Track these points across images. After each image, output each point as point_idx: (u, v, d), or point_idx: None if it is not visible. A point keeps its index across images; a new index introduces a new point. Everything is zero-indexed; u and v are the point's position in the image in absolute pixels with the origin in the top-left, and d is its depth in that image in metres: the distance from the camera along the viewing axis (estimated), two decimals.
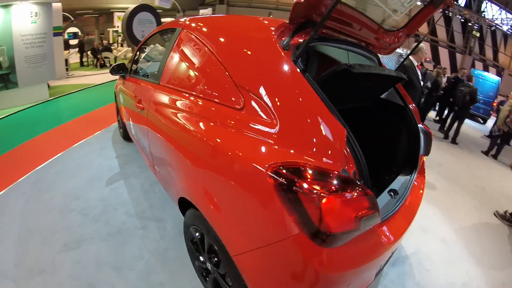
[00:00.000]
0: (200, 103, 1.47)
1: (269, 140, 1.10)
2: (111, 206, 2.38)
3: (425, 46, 3.40)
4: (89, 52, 11.46)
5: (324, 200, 0.91)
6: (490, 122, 9.80)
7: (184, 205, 1.63)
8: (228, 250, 1.23)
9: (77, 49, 11.17)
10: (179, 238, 2.07)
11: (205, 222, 1.36)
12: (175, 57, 1.81)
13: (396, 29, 1.81)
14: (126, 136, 3.38)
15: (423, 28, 16.16)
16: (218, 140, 1.24)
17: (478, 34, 20.59)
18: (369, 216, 0.96)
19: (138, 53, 2.84)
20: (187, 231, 1.67)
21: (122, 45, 14.61)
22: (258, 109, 1.17)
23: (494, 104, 10.20)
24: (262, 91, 1.18)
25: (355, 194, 0.96)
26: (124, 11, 8.76)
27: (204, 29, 1.64)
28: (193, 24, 1.75)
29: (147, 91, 2.08)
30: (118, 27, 15.93)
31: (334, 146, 1.04)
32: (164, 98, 1.79)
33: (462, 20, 21.00)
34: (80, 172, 2.86)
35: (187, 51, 1.69)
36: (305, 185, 0.94)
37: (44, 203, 2.36)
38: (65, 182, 2.68)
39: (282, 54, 1.22)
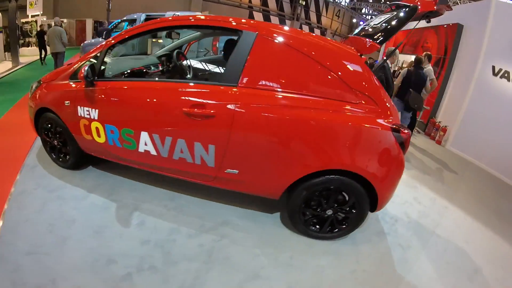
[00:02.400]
0: (311, 99, 1.91)
1: (379, 118, 1.94)
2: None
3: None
4: None
5: (406, 136, 1.94)
6: None
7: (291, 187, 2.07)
8: (376, 189, 1.97)
9: None
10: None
11: (356, 185, 1.99)
12: (260, 60, 1.93)
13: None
14: (78, 162, 2.64)
15: None
16: (350, 124, 1.89)
17: (303, 2, 25.26)
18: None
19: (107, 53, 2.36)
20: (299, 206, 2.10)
21: None
22: (367, 101, 1.92)
23: None
24: (367, 91, 1.92)
25: (406, 130, 1.96)
26: None
27: (302, 40, 1.98)
28: (275, 32, 1.97)
29: (219, 94, 1.92)
30: None
31: (396, 115, 2.02)
32: (265, 102, 1.89)
33: None
34: (62, 231, 1.92)
35: (282, 55, 1.95)
36: (403, 132, 1.94)
37: None
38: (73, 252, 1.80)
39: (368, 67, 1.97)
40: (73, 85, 2.34)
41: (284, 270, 1.88)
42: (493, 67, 5.13)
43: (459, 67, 6.20)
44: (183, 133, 1.97)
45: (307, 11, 26.61)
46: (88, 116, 2.25)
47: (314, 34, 2.20)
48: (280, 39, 1.94)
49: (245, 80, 1.90)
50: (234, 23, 2.02)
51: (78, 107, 2.28)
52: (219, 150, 1.95)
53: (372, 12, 29.57)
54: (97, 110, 2.20)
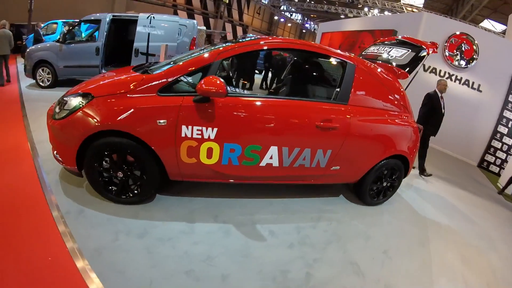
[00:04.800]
0: (381, 111, 2.70)
1: (409, 120, 2.87)
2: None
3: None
4: None
5: (420, 128, 3.01)
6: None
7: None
8: (409, 161, 2.97)
9: None
10: None
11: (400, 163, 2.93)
12: (359, 85, 2.53)
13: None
14: (152, 193, 2.35)
15: None
16: (401, 126, 2.81)
17: (227, 1, 25.66)
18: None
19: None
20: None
21: None
22: (403, 110, 2.81)
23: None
24: (404, 103, 2.84)
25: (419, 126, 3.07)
26: None
27: (375, 69, 2.75)
28: (365, 64, 2.67)
29: (337, 111, 2.44)
30: None
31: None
32: (364, 115, 2.55)
33: None
34: (210, 271, 1.75)
35: (370, 81, 2.64)
36: (419, 126, 3.03)
37: None
38: None
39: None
40: (172, 100, 1.99)
41: (378, 228, 2.70)
42: (424, 65, 6.69)
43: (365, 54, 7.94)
44: (311, 143, 2.35)
45: (229, 9, 27.16)
46: (199, 137, 2.05)
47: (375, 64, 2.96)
48: (367, 70, 2.64)
49: (352, 99, 2.50)
50: (342, 55, 2.56)
51: (183, 126, 2.01)
52: (333, 153, 2.44)
53: (291, 8, 31.96)
54: (215, 129, 2.06)
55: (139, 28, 5.79)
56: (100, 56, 5.84)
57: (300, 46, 2.55)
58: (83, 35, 6.86)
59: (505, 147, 6.31)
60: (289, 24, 36.15)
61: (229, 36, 22.43)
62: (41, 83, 5.72)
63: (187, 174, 2.26)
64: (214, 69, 2.10)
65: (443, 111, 4.48)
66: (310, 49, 2.57)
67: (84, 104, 2.03)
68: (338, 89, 2.47)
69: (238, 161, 2.23)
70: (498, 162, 6.35)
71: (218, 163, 2.20)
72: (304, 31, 39.09)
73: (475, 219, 3.66)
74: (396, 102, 2.78)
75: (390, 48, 3.47)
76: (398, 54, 3.26)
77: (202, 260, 1.83)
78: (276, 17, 33.08)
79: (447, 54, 6.96)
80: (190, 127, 2.02)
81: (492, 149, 6.50)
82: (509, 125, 6.33)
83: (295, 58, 3.13)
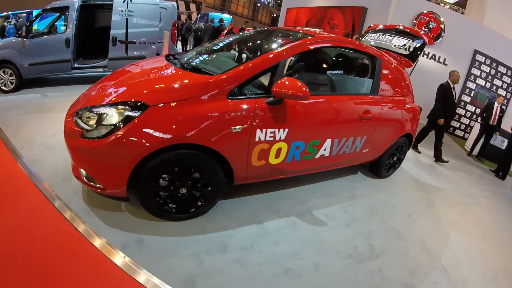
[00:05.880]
0: (399, 98, 3.16)
1: (413, 103, 3.41)
2: None
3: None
4: None
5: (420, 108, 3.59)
6: None
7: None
8: (413, 137, 3.60)
9: None
10: None
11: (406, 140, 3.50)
12: (385, 76, 2.94)
13: None
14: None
15: None
16: (410, 109, 3.30)
17: None
18: None
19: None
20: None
21: None
22: (409, 95, 3.29)
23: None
24: (410, 89, 3.33)
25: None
26: None
27: (393, 63, 3.12)
28: (386, 58, 3.04)
29: (373, 103, 2.81)
30: None
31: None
32: (388, 103, 2.99)
33: None
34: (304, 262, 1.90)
35: (390, 72, 3.03)
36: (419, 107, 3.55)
37: None
38: None
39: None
40: (247, 104, 1.91)
41: (397, 197, 3.23)
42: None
43: (365, 41, 8.41)
44: (354, 132, 2.71)
45: None
46: (271, 139, 2.06)
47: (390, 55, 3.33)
48: (388, 63, 3.02)
49: (380, 91, 2.86)
50: (373, 52, 2.90)
51: (258, 130, 1.97)
52: (367, 139, 2.84)
53: None
54: (286, 130, 2.09)
55: (115, 14, 5.16)
56: (71, 48, 5.14)
57: (348, 44, 2.83)
58: (49, 26, 5.58)
59: (468, 114, 7.32)
60: None
61: (194, 16, 21.11)
62: (3, 87, 4.64)
63: (252, 176, 2.25)
64: (282, 68, 2.05)
65: (455, 101, 4.81)
66: (355, 47, 2.80)
67: (137, 116, 1.70)
68: (371, 83, 2.83)
69: (300, 157, 2.37)
70: (463, 127, 7.39)
71: (283, 161, 2.27)
72: (258, 4, 37.91)
73: (456, 179, 4.44)
74: (405, 89, 3.24)
75: (392, 37, 3.86)
76: (400, 43, 3.67)
77: (291, 256, 1.95)
78: None
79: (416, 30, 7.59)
80: (264, 130, 2.01)
81: (457, 116, 7.50)
82: (472, 94, 7.31)
83: (338, 57, 3.14)
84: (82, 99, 2.15)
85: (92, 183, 1.87)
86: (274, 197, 2.64)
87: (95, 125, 1.74)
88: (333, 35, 2.99)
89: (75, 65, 5.32)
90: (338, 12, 9.64)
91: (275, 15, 40.34)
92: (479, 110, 7.24)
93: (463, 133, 7.33)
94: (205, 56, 2.62)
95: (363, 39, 4.30)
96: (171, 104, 1.76)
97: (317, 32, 3.24)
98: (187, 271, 1.69)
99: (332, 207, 2.70)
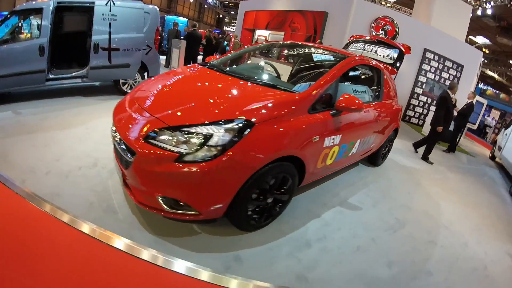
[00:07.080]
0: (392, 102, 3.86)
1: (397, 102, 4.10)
2: None
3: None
4: None
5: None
6: None
7: None
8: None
9: None
10: None
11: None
12: (385, 83, 3.62)
13: None
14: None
15: None
16: (396, 109, 4.05)
17: None
18: None
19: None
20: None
21: None
22: (394, 97, 3.97)
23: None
24: (395, 93, 4.03)
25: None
26: None
27: (386, 70, 3.76)
28: (383, 68, 3.66)
29: (383, 106, 3.52)
30: None
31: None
32: (389, 106, 3.74)
33: None
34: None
35: (387, 81, 3.70)
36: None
37: None
38: None
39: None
40: (321, 117, 2.28)
41: (395, 181, 3.96)
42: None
43: (327, 43, 9.09)
44: (372, 132, 3.33)
45: None
46: (332, 144, 2.46)
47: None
48: (385, 72, 3.64)
49: (384, 96, 3.52)
50: (378, 66, 3.51)
51: (326, 138, 2.36)
52: (376, 136, 3.49)
53: None
54: (340, 135, 2.53)
55: (97, 18, 4.61)
56: (46, 56, 4.36)
57: (370, 62, 3.39)
58: (19, 31, 4.67)
59: (421, 103, 8.67)
60: (191, 0, 33.96)
61: None
62: None
63: (313, 177, 2.63)
64: (337, 84, 2.49)
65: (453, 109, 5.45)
66: (372, 64, 3.42)
67: (246, 133, 1.72)
68: (380, 91, 3.51)
69: (342, 155, 2.83)
70: (417, 115, 8.72)
71: (332, 161, 2.71)
72: (205, 6, 37.25)
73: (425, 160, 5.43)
74: (394, 92, 3.99)
75: (376, 47, 4.61)
76: (385, 53, 4.43)
77: (353, 237, 2.46)
78: None
79: (374, 33, 8.68)
80: (329, 137, 2.41)
81: (411, 106, 8.81)
82: (423, 87, 8.65)
83: (363, 71, 3.77)
84: (136, 116, 1.91)
85: (180, 211, 1.75)
86: (314, 193, 3.04)
87: (198, 147, 1.65)
88: (365, 58, 3.28)
89: (50, 76, 4.57)
90: (299, 16, 10.30)
91: (221, 16, 40.35)
92: (430, 100, 8.65)
93: (417, 120, 8.71)
94: (260, 70, 3.17)
95: (350, 48, 4.98)
96: (273, 120, 1.89)
97: (350, 52, 3.50)
98: (294, 270, 1.91)
99: (357, 194, 3.31)
